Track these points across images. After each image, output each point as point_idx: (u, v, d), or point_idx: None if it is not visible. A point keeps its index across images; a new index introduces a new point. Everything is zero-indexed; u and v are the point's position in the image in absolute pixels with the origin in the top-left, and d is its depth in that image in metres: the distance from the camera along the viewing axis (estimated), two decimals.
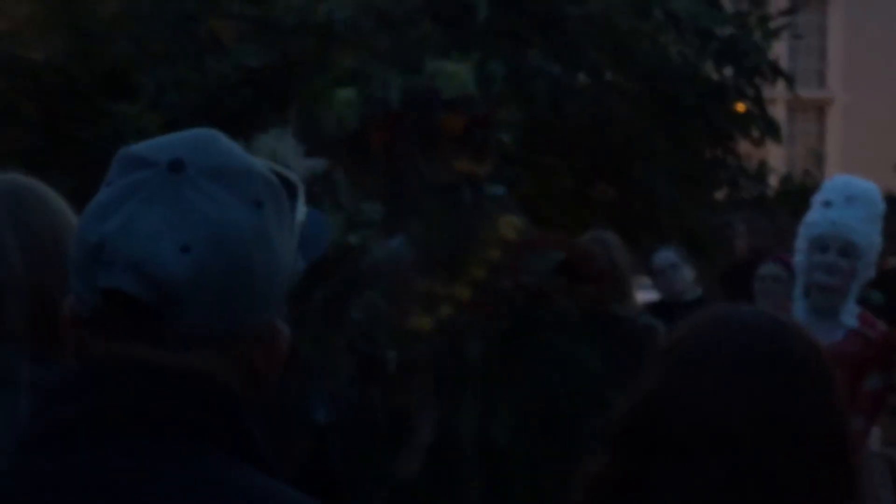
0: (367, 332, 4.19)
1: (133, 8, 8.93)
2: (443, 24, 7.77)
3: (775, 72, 9.27)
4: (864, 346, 3.96)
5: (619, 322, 4.58)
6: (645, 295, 6.86)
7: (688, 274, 6.24)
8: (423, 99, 4.33)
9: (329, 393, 4.10)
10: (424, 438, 4.09)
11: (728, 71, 8.88)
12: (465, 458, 4.13)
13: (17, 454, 1.25)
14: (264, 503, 1.23)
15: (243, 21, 8.56)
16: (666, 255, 6.33)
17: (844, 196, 4.03)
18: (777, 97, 15.59)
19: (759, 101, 9.01)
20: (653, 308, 6.12)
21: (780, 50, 11.99)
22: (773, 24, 9.35)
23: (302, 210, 1.34)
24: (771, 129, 9.13)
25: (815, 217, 4.05)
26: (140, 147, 1.29)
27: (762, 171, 9.85)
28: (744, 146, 9.50)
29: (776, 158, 15.48)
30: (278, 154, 3.85)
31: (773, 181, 10.32)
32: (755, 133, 9.10)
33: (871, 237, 4.02)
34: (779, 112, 17.35)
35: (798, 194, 8.62)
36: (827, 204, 4.04)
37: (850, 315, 4.02)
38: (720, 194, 9.74)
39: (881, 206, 4.10)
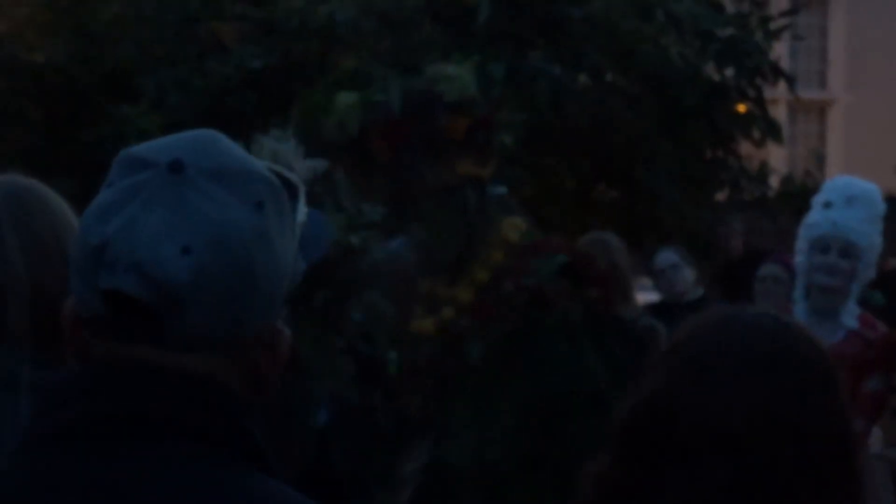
0: (368, 333, 4.19)
1: (135, 10, 8.94)
2: (444, 26, 7.78)
3: (776, 73, 9.26)
4: (865, 347, 3.96)
5: (620, 324, 4.59)
6: (646, 296, 6.86)
7: (689, 275, 6.24)
8: (424, 103, 4.33)
9: (329, 394, 4.10)
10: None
11: (729, 72, 8.87)
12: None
13: (18, 454, 1.25)
14: None
15: (245, 23, 8.57)
16: (667, 256, 6.33)
17: (845, 197, 4.03)
18: (778, 98, 15.58)
19: (760, 102, 9.01)
20: (654, 309, 6.12)
21: (781, 51, 11.98)
22: (774, 25, 9.35)
23: (302, 211, 1.34)
24: (772, 130, 9.13)
25: (815, 218, 4.05)
26: (140, 148, 1.29)
27: (763, 171, 9.85)
28: (745, 147, 9.50)
29: (777, 159, 15.46)
30: (280, 155, 3.85)
31: (775, 182, 10.31)
32: (756, 134, 9.10)
33: (871, 238, 4.02)
34: (780, 113, 17.35)
35: (799, 195, 8.61)
36: (827, 205, 4.04)
37: (851, 316, 4.02)
38: (721, 195, 9.74)
39: (882, 207, 4.10)
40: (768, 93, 9.30)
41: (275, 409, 3.23)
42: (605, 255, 5.32)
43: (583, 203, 9.08)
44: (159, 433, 1.22)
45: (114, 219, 1.23)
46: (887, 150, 21.69)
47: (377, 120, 4.33)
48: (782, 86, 9.82)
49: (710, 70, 8.85)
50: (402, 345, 4.33)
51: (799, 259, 4.10)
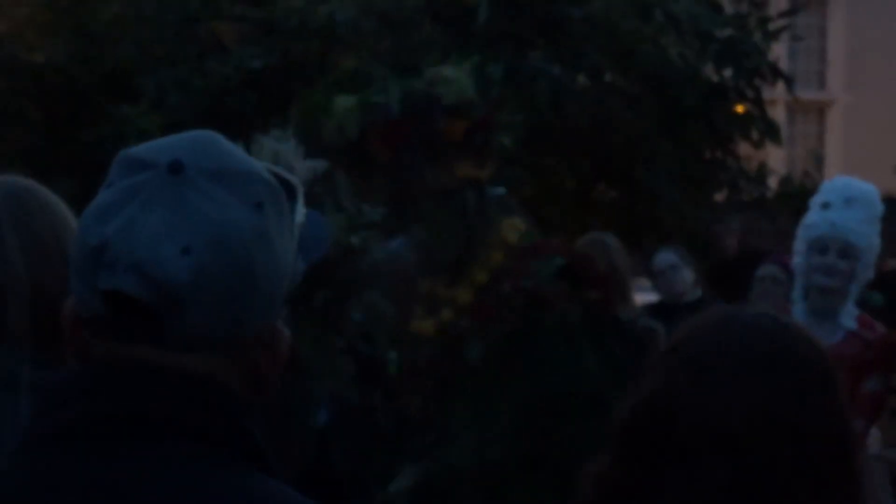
0: (368, 333, 4.19)
1: (135, 10, 8.95)
2: (443, 26, 7.78)
3: (775, 73, 9.28)
4: (863, 348, 3.96)
5: (619, 324, 4.59)
6: (645, 296, 6.86)
7: (688, 275, 6.23)
8: (423, 105, 4.33)
9: (329, 394, 4.10)
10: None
11: (728, 72, 8.89)
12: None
13: (18, 454, 1.25)
14: None
15: (245, 23, 8.57)
16: (666, 257, 6.33)
17: (843, 198, 4.03)
18: (777, 98, 15.58)
19: (759, 103, 9.02)
20: (653, 309, 6.12)
21: (779, 51, 12.00)
22: (772, 26, 9.36)
23: (301, 212, 1.35)
24: (771, 131, 9.14)
25: (813, 219, 4.05)
26: (139, 149, 1.29)
27: (762, 172, 9.86)
28: (744, 148, 9.51)
29: (776, 160, 15.47)
30: (280, 156, 3.85)
31: (773, 182, 10.32)
32: (755, 134, 9.11)
33: (870, 239, 4.02)
34: (779, 113, 17.36)
35: (798, 196, 8.61)
36: (826, 206, 4.04)
37: (849, 317, 4.02)
38: (720, 196, 9.75)
39: (880, 208, 4.10)
40: (767, 93, 9.32)
41: (275, 409, 3.23)
42: (603, 256, 5.32)
43: (583, 203, 9.09)
44: (159, 433, 1.22)
45: (113, 219, 1.23)
46: (886, 150, 21.70)
47: (376, 121, 4.33)
48: (781, 86, 9.83)
49: (710, 70, 8.86)
50: (402, 345, 4.33)
51: (797, 260, 4.10)
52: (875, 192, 4.14)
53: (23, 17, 9.42)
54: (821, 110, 31.37)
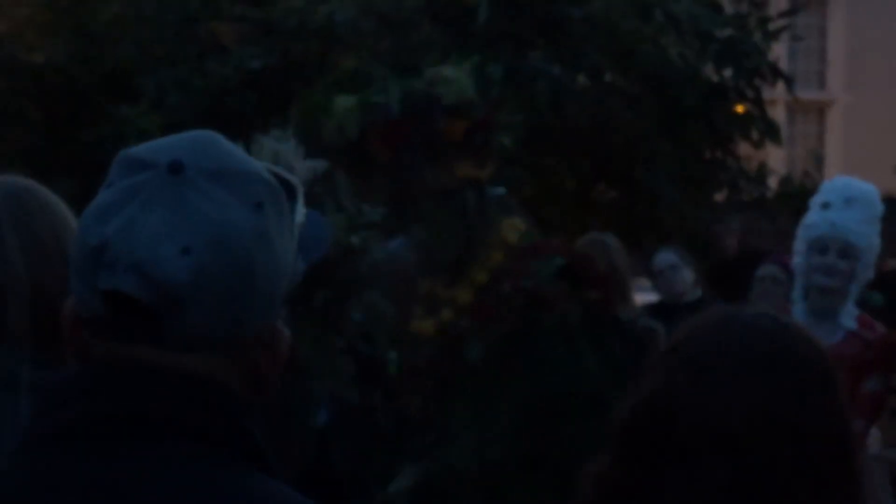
0: (368, 333, 4.20)
1: (135, 10, 8.96)
2: (443, 26, 7.78)
3: (775, 73, 9.28)
4: (863, 348, 3.96)
5: (619, 324, 4.59)
6: (645, 296, 6.86)
7: (688, 275, 6.24)
8: (423, 105, 4.33)
9: (329, 394, 4.10)
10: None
11: (728, 72, 8.89)
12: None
13: (18, 454, 1.25)
14: None
15: (244, 23, 8.58)
16: (666, 257, 6.33)
17: (843, 198, 4.03)
18: (777, 98, 15.58)
19: (759, 103, 9.02)
20: (653, 309, 6.12)
21: (779, 51, 12.00)
22: (772, 26, 9.37)
23: (301, 212, 1.35)
24: (771, 131, 9.14)
25: (813, 219, 4.05)
26: (139, 149, 1.29)
27: (762, 172, 9.86)
28: (744, 148, 9.51)
29: (776, 160, 15.47)
30: (280, 156, 3.85)
31: (773, 183, 10.33)
32: (755, 134, 9.11)
33: (870, 239, 4.02)
34: (779, 113, 17.35)
35: (798, 196, 8.62)
36: (826, 206, 4.04)
37: (849, 317, 4.02)
38: (720, 196, 9.75)
39: (880, 208, 4.10)
40: (767, 93, 9.32)
41: (275, 409, 3.24)
42: (603, 256, 5.33)
43: (582, 203, 9.09)
44: (159, 433, 1.22)
45: (113, 219, 1.23)
46: (886, 150, 21.70)
47: (376, 121, 4.34)
48: (781, 86, 9.83)
49: (709, 70, 8.86)
50: (402, 345, 4.33)
51: (797, 260, 4.10)
52: (875, 192, 4.14)
53: (23, 17, 9.43)
54: (821, 110, 31.37)
